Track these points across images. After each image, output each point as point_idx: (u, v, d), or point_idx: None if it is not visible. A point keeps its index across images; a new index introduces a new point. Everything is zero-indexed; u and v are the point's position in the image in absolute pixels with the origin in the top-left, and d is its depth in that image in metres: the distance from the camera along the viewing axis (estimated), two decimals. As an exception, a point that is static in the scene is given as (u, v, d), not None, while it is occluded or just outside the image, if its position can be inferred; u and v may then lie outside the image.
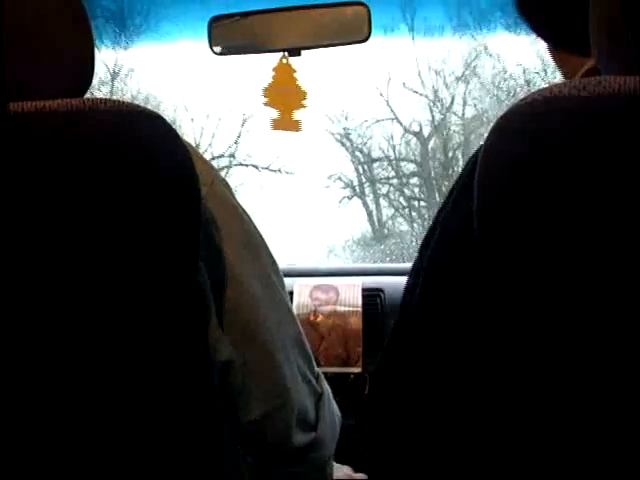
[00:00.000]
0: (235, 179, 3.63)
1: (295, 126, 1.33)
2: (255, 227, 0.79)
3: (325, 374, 0.99)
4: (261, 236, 0.79)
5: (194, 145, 0.76)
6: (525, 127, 0.58)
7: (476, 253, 0.60)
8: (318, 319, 1.44)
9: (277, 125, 1.33)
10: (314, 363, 0.85)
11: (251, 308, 0.75)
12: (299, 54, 1.31)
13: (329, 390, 0.89)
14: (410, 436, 0.68)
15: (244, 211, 0.78)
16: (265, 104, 1.32)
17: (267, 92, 1.32)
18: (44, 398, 0.64)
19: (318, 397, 0.84)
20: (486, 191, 0.59)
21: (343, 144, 4.17)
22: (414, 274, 0.68)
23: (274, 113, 1.32)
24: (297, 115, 1.33)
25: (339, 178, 4.25)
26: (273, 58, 1.32)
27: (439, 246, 0.65)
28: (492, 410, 0.62)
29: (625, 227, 0.55)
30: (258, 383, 0.75)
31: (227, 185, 0.77)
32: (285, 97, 1.32)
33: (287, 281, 1.46)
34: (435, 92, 3.87)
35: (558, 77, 0.81)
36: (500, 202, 0.59)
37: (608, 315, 0.56)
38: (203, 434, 0.71)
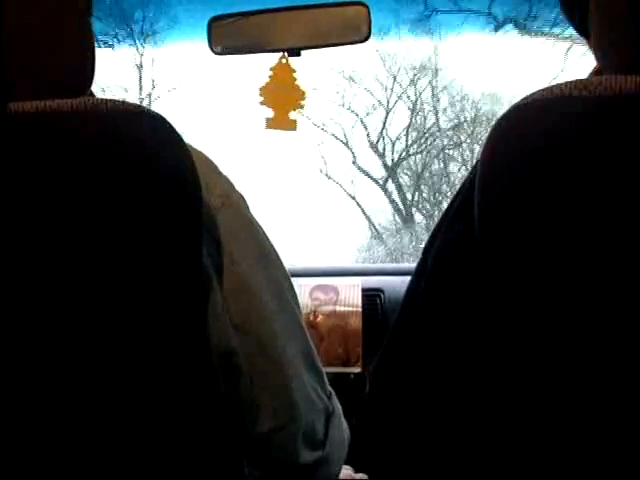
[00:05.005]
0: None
1: (291, 125, 1.33)
2: (269, 241, 0.78)
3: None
4: (275, 250, 0.79)
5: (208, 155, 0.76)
6: (525, 127, 0.58)
7: (479, 255, 0.60)
8: (318, 319, 1.44)
9: (272, 124, 1.32)
10: (326, 380, 0.84)
11: (262, 321, 0.74)
12: (299, 54, 1.31)
13: (340, 409, 0.88)
14: (410, 436, 0.68)
15: (258, 224, 0.78)
16: (261, 103, 1.32)
17: (264, 91, 1.32)
18: (42, 393, 0.63)
19: (328, 415, 0.83)
20: (486, 192, 0.59)
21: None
22: (417, 276, 0.68)
23: (269, 112, 1.32)
24: (293, 115, 1.32)
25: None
26: (272, 58, 1.32)
27: (443, 248, 0.65)
28: (493, 410, 0.62)
29: (624, 227, 0.55)
30: (266, 397, 0.75)
31: (243, 198, 0.77)
32: (282, 97, 1.32)
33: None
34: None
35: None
36: (500, 203, 0.59)
37: (608, 313, 0.56)
38: (206, 441, 0.70)
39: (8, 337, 0.62)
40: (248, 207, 0.78)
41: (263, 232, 0.78)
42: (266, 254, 0.77)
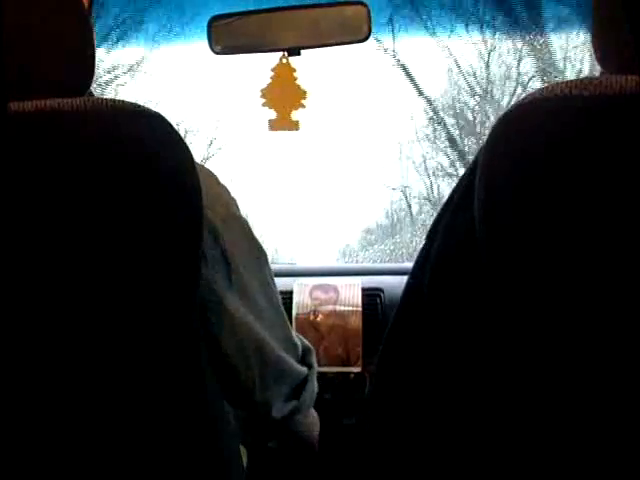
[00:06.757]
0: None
1: (294, 125, 1.32)
2: (255, 236, 0.82)
3: (325, 374, 0.99)
4: (261, 245, 0.83)
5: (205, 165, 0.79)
6: (526, 126, 0.58)
7: (480, 255, 0.60)
8: (318, 319, 1.44)
9: (275, 126, 1.32)
10: (299, 351, 0.91)
11: (255, 321, 0.78)
12: (299, 54, 1.31)
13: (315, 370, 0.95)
14: (411, 435, 0.68)
15: (247, 223, 0.81)
16: (263, 105, 1.32)
17: (266, 93, 1.32)
18: (38, 391, 0.64)
19: (304, 378, 0.90)
20: (487, 193, 0.59)
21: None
22: (419, 269, 0.68)
23: (272, 114, 1.32)
24: (296, 115, 1.32)
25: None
26: (273, 59, 1.32)
27: (444, 247, 0.65)
28: (494, 409, 0.62)
29: (624, 226, 0.55)
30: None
31: (235, 201, 0.81)
32: (284, 97, 1.32)
33: (287, 280, 1.46)
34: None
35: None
36: (501, 203, 0.59)
37: (608, 310, 0.56)
38: (200, 418, 0.73)
39: (7, 330, 0.62)
40: (239, 208, 0.81)
41: (250, 227, 0.82)
42: (257, 254, 0.82)
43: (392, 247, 2.62)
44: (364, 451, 0.76)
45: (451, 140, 2.78)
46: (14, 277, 0.61)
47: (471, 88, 2.71)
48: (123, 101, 0.64)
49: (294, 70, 1.32)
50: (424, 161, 3.04)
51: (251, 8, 1.31)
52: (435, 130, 2.83)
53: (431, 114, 2.62)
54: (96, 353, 0.63)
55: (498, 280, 0.60)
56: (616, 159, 0.55)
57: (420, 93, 2.41)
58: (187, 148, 0.66)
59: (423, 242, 0.70)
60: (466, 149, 2.77)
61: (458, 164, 2.81)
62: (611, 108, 0.56)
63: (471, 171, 0.63)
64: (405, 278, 0.71)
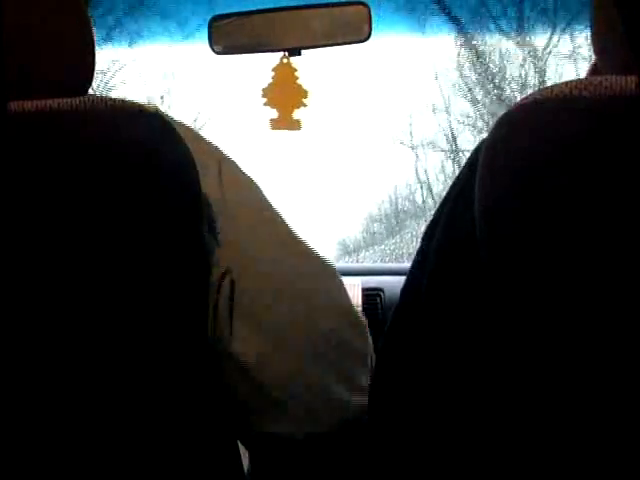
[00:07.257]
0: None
1: (295, 125, 1.33)
2: (267, 199, 0.75)
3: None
4: (275, 208, 0.76)
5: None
6: (526, 127, 0.58)
7: (479, 258, 0.60)
8: (318, 319, 1.44)
9: (276, 125, 1.33)
10: (360, 323, 0.80)
11: (260, 289, 0.71)
12: (299, 54, 1.31)
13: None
14: (410, 435, 0.68)
15: (254, 182, 0.75)
16: (265, 104, 1.32)
17: (267, 92, 1.33)
18: (41, 390, 0.64)
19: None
20: (487, 193, 0.59)
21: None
22: (419, 269, 0.68)
23: (273, 113, 1.33)
24: (297, 114, 1.33)
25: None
26: (274, 58, 1.32)
27: (446, 243, 0.65)
28: (494, 410, 0.62)
29: (626, 227, 0.55)
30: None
31: (233, 162, 0.75)
32: (285, 97, 1.32)
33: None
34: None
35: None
36: (501, 203, 0.59)
37: (611, 314, 0.56)
38: (199, 418, 0.71)
39: (9, 333, 0.62)
40: (239, 167, 0.75)
41: (259, 187, 0.75)
42: (266, 213, 0.74)
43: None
44: (364, 450, 0.76)
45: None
46: (15, 278, 0.61)
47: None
48: (123, 100, 0.64)
49: (295, 70, 1.32)
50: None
51: (251, 8, 1.31)
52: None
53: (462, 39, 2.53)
54: (97, 353, 0.63)
55: (498, 280, 0.60)
56: (616, 160, 0.55)
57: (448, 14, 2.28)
58: (187, 147, 0.66)
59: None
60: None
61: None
62: (612, 110, 0.56)
63: (469, 168, 0.63)
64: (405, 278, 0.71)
